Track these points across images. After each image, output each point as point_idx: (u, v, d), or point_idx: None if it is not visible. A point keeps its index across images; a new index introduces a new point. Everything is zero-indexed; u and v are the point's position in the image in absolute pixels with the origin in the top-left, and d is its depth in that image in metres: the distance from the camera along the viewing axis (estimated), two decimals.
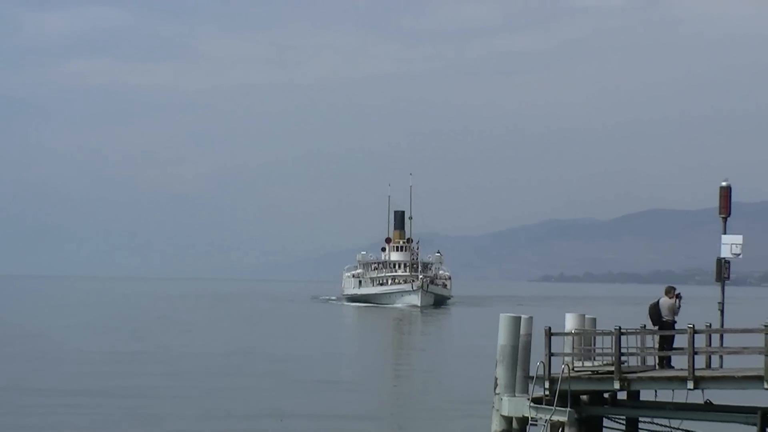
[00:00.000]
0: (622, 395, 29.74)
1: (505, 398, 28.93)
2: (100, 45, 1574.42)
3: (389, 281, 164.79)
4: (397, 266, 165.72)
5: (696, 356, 28.25)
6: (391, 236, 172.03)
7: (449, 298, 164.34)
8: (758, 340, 28.65)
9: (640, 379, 29.29)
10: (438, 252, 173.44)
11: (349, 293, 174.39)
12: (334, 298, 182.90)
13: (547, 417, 28.37)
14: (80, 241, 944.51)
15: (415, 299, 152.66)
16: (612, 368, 28.90)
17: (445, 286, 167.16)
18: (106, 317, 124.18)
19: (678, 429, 29.95)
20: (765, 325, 30.39)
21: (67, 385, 50.83)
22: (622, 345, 29.13)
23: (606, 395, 29.73)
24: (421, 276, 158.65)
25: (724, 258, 34.84)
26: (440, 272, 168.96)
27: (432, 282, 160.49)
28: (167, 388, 50.82)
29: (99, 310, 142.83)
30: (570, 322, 30.97)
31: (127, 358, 66.96)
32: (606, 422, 30.23)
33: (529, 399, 28.76)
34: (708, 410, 29.06)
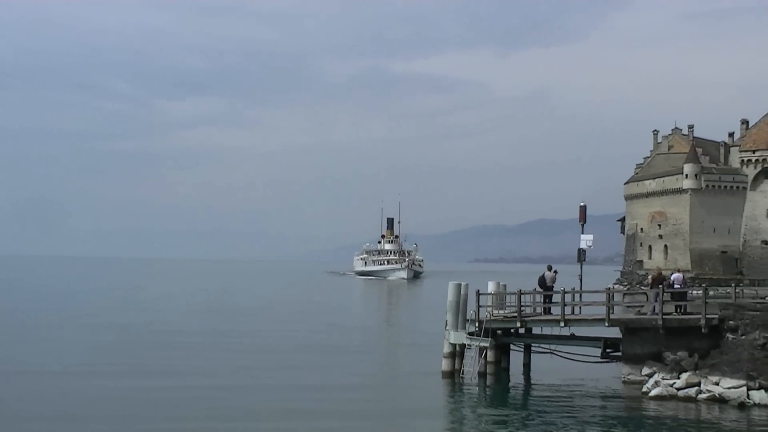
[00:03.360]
0: (521, 331, 29.82)
1: (452, 332, 28.96)
2: (206, 120, 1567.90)
3: (385, 262, 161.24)
4: (389, 253, 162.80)
5: (566, 307, 28.54)
6: (385, 234, 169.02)
7: (422, 273, 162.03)
8: (602, 297, 29.02)
9: (533, 320, 29.45)
10: (415, 244, 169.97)
11: (358, 270, 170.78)
12: (348, 272, 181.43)
13: (477, 344, 28.50)
14: (177, 235, 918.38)
15: (403, 274, 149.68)
16: (516, 314, 29.14)
17: (420, 266, 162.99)
18: (214, 285, 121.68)
19: (555, 350, 30.01)
20: (606, 288, 30.69)
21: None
22: (522, 300, 29.43)
23: (512, 330, 29.70)
24: (406, 259, 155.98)
25: (582, 248, 35.04)
26: (416, 257, 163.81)
27: (412, 263, 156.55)
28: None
29: (204, 282, 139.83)
30: (491, 287, 31.01)
31: (247, 307, 65.94)
32: (512, 347, 30.26)
33: (466, 333, 28.84)
34: (572, 339, 29.31)
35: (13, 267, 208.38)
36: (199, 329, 46.94)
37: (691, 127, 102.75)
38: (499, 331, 29.12)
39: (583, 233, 35.28)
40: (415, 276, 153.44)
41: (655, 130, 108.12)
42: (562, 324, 27.92)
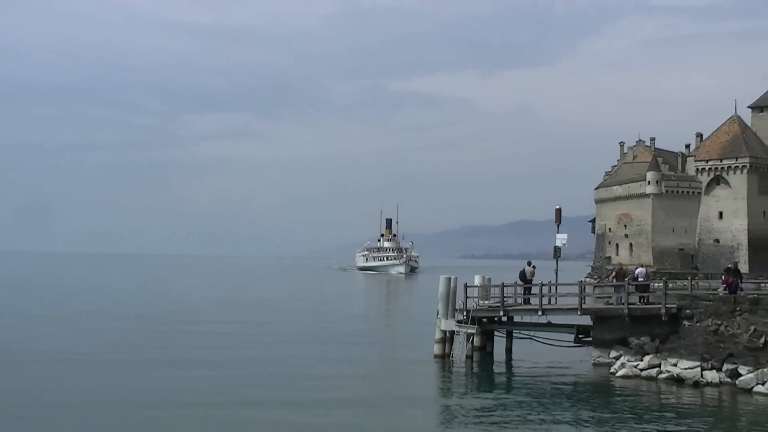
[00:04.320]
0: (504, 319, 29.73)
1: (443, 320, 28.93)
2: (225, 133, 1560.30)
3: (384, 258, 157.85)
4: (388, 250, 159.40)
5: (543, 298, 28.60)
6: (384, 233, 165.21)
7: (418, 268, 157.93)
8: (575, 289, 29.13)
9: (514, 310, 29.42)
10: (411, 242, 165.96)
11: (360, 265, 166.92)
12: (351, 268, 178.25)
13: (465, 330, 28.52)
14: (198, 234, 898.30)
15: (401, 269, 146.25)
16: (499, 304, 29.16)
17: (416, 261, 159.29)
18: (245, 276, 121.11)
19: (533, 336, 29.97)
20: (579, 282, 30.79)
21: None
22: (504, 292, 29.41)
23: (495, 318, 29.67)
24: (404, 256, 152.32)
25: (557, 246, 35.17)
26: (412, 254, 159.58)
27: (409, 259, 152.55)
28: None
29: (236, 275, 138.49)
30: (477, 280, 31.02)
31: (268, 299, 65.76)
32: (496, 333, 30.11)
33: (455, 321, 28.80)
34: (549, 326, 29.14)
35: (46, 263, 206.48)
36: (214, 319, 45.79)
37: (652, 139, 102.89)
38: (484, 319, 29.10)
39: (558, 233, 35.41)
40: (412, 271, 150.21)
41: (622, 142, 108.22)
42: (539, 313, 27.98)
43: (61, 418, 19.26)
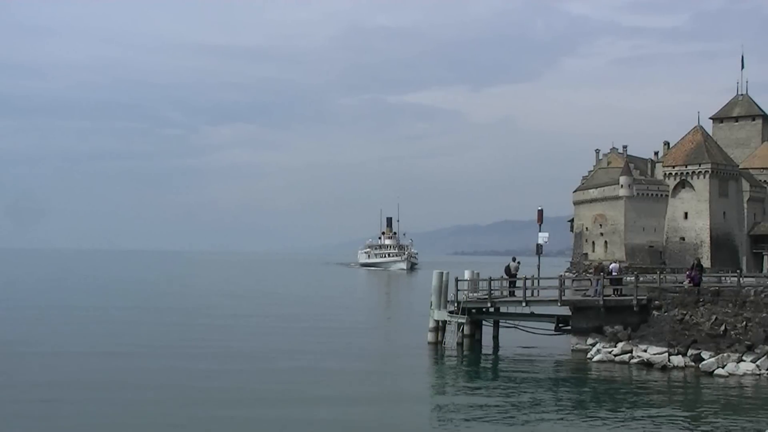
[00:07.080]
0: (491, 309, 29.61)
1: (435, 311, 28.89)
2: (241, 142, 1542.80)
3: (385, 255, 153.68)
4: (389, 247, 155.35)
5: (526, 290, 28.61)
6: (385, 231, 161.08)
7: (417, 264, 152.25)
8: (555, 283, 29.14)
9: (500, 301, 29.36)
10: (410, 240, 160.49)
11: (363, 262, 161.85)
12: (353, 264, 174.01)
13: (456, 320, 28.46)
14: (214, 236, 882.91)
15: (402, 265, 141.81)
16: (487, 296, 29.17)
17: (415, 258, 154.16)
18: (255, 273, 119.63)
19: (518, 325, 29.82)
20: (558, 276, 30.81)
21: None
22: (491, 285, 29.36)
23: (484, 309, 29.54)
24: (405, 253, 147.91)
25: (539, 243, 35.13)
26: (412, 250, 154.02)
27: (410, 256, 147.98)
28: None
29: (246, 270, 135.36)
30: (467, 274, 30.94)
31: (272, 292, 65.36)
32: (484, 323, 29.85)
33: (447, 311, 28.71)
34: (532, 316, 29.04)
35: (98, 260, 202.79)
36: (227, 312, 44.45)
37: (625, 147, 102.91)
38: (473, 310, 28.99)
39: (540, 231, 35.35)
40: (412, 267, 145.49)
41: (597, 149, 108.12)
42: (523, 304, 27.96)
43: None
